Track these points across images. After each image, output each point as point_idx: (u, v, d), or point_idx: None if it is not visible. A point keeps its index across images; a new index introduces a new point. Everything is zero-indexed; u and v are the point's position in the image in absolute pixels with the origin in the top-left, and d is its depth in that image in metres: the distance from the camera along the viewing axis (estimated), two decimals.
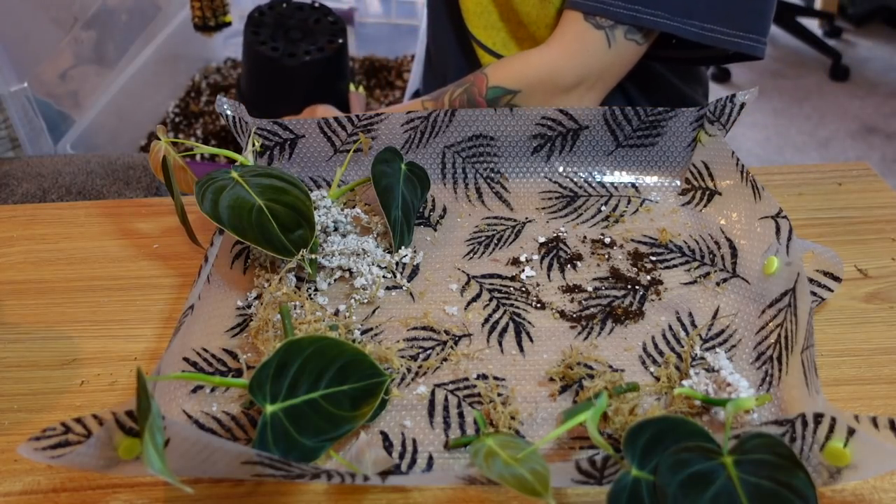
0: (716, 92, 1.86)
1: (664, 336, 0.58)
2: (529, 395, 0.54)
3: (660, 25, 0.78)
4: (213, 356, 0.57)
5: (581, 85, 0.82)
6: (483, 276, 0.64)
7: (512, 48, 0.92)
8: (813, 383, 0.48)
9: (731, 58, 0.86)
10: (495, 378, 0.55)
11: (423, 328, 0.59)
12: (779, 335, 0.55)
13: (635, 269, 0.64)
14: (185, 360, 0.56)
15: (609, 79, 0.83)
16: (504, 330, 0.59)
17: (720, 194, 0.68)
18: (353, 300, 0.61)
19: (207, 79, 1.60)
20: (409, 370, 0.55)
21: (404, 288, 0.63)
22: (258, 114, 0.78)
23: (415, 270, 0.65)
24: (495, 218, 0.70)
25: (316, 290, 0.63)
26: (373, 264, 0.63)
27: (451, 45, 1.01)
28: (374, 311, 0.61)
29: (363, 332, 0.59)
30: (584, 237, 0.68)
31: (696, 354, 0.56)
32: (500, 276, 0.64)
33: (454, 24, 0.99)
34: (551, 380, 0.55)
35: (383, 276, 0.63)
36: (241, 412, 0.52)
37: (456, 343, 0.58)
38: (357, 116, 0.71)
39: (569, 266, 0.65)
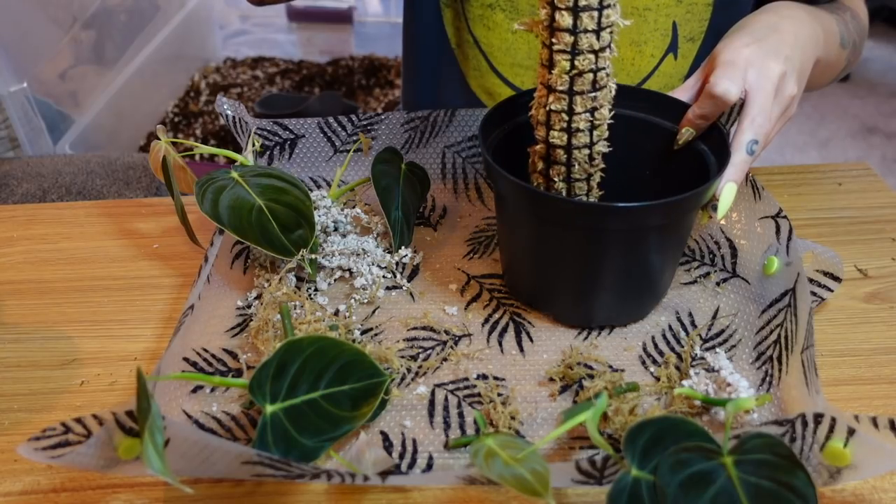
0: None
1: (664, 336, 0.58)
2: (529, 395, 0.54)
3: None
4: (213, 356, 0.57)
5: None
6: (483, 276, 0.64)
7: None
8: (813, 383, 0.48)
9: None
10: (495, 378, 0.55)
11: (423, 328, 0.59)
12: (779, 335, 0.55)
13: None
14: (186, 360, 0.56)
15: None
16: (504, 330, 0.59)
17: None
18: (353, 300, 0.61)
19: (207, 79, 1.59)
20: (409, 370, 0.55)
21: (404, 288, 0.63)
22: None
23: (415, 270, 0.65)
24: (495, 218, 0.70)
25: (316, 290, 0.63)
26: (373, 264, 0.63)
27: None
28: (374, 311, 0.61)
29: (363, 332, 0.59)
30: None
31: (696, 354, 0.56)
32: (500, 276, 0.64)
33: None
34: (551, 380, 0.55)
35: (383, 276, 0.63)
36: (241, 412, 0.52)
37: (456, 343, 0.58)
38: (357, 116, 0.71)
39: None
